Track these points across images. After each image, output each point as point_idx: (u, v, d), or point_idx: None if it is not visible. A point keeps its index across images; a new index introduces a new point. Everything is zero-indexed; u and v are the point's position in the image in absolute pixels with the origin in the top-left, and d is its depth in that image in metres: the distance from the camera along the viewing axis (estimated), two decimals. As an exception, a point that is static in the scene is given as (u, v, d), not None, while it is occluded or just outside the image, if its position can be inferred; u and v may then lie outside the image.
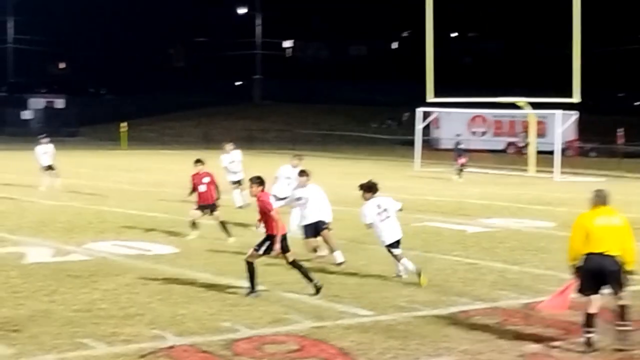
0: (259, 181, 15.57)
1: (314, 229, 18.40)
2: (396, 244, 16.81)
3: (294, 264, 15.42)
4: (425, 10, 49.33)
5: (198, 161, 21.94)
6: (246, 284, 15.30)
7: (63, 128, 78.35)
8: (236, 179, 28.82)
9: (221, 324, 13.27)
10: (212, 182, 21.78)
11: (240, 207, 27.59)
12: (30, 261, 18.23)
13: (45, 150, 34.94)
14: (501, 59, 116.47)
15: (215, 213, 21.71)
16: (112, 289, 15.58)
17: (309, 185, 18.98)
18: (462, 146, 44.59)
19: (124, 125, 72.40)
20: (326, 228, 18.51)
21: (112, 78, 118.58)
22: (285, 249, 15.21)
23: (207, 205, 21.66)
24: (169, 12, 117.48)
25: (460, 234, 23.48)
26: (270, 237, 15.05)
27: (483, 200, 32.76)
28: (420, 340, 12.56)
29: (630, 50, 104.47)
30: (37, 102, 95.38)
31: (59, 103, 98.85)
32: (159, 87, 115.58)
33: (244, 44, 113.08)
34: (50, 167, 34.61)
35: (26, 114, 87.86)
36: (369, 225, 16.95)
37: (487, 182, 42.42)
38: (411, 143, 55.21)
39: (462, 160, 43.14)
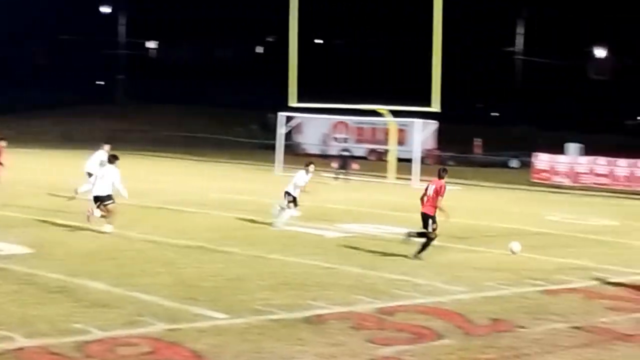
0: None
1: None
2: None
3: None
4: (290, 15, 49.48)
5: None
6: (100, 287, 15.09)
7: None
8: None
9: (73, 326, 13.05)
10: None
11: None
12: None
13: None
14: (366, 66, 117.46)
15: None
16: (-38, 289, 15.20)
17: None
18: (347, 153, 45.23)
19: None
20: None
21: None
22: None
23: None
24: (31, 9, 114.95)
25: (319, 239, 23.63)
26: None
27: (343, 205, 33.03)
28: (274, 344, 12.58)
29: (490, 61, 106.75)
30: None
31: None
32: (20, 85, 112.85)
33: (108, 43, 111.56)
34: None
35: None
36: None
37: (348, 188, 42.80)
38: (274, 147, 55.32)
39: (355, 165, 44.14)
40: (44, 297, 14.83)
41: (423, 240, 20.58)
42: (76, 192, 28.78)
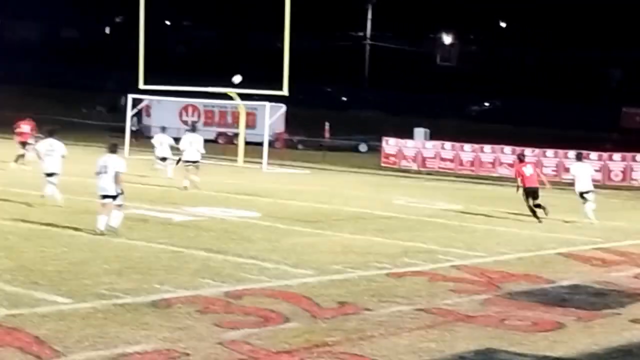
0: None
1: None
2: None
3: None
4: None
5: None
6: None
7: None
8: None
9: None
10: None
11: None
12: None
13: None
14: (216, 49, 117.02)
15: None
16: None
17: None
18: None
19: None
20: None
21: None
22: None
23: None
24: None
25: (166, 222, 23.41)
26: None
27: (191, 189, 32.77)
28: (119, 328, 12.41)
29: (340, 46, 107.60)
30: None
31: None
32: None
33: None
34: None
35: None
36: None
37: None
38: (122, 130, 54.62)
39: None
40: None
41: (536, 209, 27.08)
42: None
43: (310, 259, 18.64)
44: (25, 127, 39.94)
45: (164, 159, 38.43)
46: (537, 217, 26.95)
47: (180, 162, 34.48)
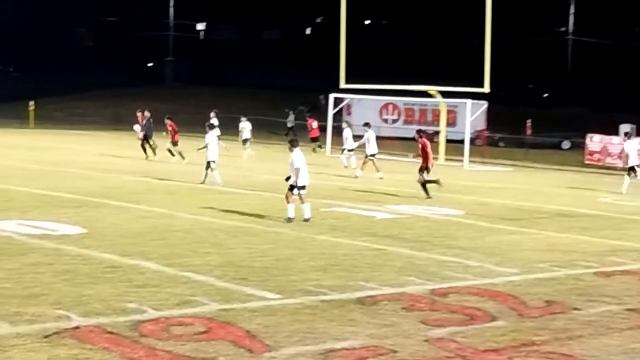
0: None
1: None
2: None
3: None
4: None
5: None
6: (152, 267, 15.25)
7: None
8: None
9: (127, 305, 13.13)
10: None
11: None
12: None
13: None
14: (414, 48, 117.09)
15: None
16: (17, 269, 15.31)
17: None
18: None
19: (31, 104, 70.93)
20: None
21: (19, 55, 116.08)
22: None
23: None
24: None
25: (369, 220, 23.57)
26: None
27: (393, 187, 32.93)
28: (326, 325, 12.57)
29: (541, 42, 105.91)
30: None
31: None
32: (68, 67, 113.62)
33: (156, 25, 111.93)
34: None
35: None
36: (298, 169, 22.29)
37: (398, 169, 42.63)
38: (323, 129, 55.27)
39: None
40: (98, 277, 14.92)
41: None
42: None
43: (514, 257, 18.45)
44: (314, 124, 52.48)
45: (350, 151, 41.46)
46: (428, 194, 29.13)
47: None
